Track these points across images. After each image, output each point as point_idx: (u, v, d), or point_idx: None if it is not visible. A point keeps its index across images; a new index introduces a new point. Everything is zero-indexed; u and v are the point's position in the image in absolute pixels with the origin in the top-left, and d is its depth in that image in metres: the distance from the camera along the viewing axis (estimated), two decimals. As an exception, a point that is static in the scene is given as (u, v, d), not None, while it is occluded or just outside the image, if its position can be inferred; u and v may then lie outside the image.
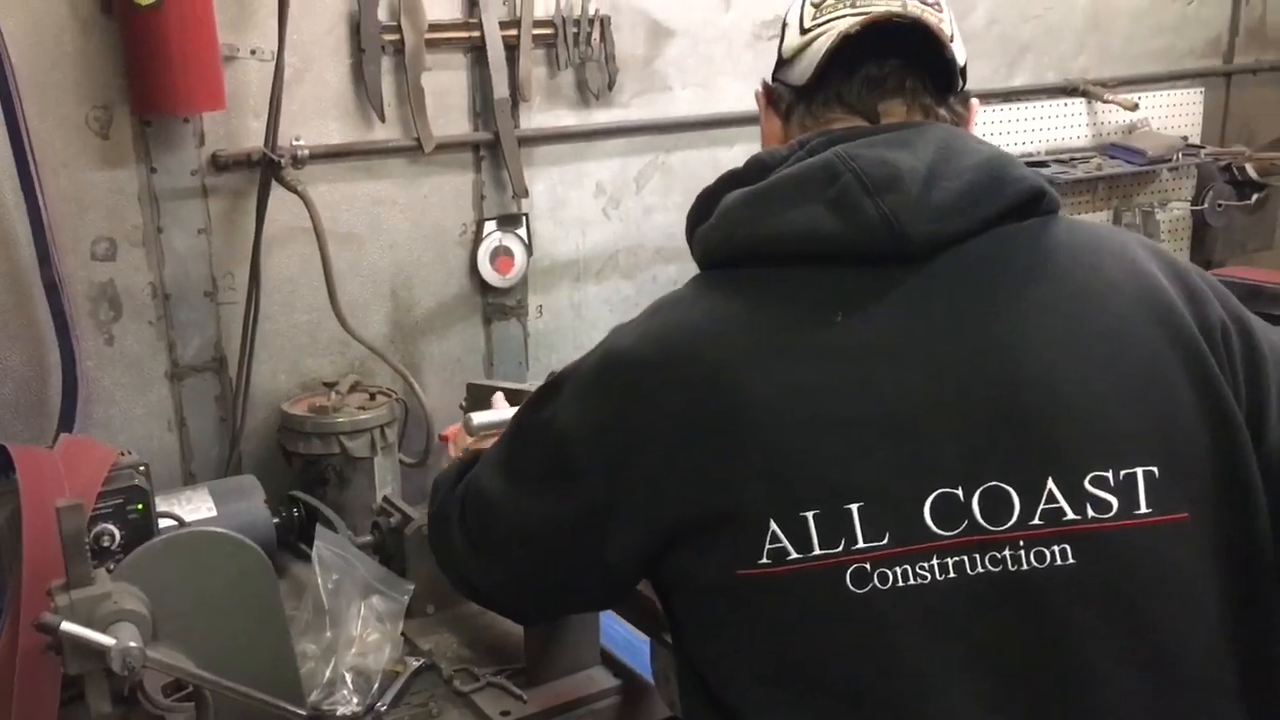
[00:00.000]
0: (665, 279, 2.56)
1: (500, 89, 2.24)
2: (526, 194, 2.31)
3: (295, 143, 2.03)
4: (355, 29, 2.10)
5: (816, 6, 1.19)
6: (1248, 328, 1.10)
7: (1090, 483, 1.00)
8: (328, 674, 1.59)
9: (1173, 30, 3.28)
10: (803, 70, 1.18)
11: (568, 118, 2.38)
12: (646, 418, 1.07)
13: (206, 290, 2.07)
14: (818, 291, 1.06)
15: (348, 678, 1.60)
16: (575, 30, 2.31)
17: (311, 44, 2.08)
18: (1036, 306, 1.05)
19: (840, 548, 0.98)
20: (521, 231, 2.34)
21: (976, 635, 0.99)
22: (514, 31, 2.24)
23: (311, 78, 2.10)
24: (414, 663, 1.69)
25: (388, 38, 2.12)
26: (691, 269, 2.58)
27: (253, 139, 2.04)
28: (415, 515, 1.87)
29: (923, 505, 0.99)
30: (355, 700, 1.58)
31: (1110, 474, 1.00)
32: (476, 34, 2.21)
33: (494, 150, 2.28)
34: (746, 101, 2.56)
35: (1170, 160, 2.98)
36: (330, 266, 2.07)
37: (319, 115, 2.12)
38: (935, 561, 0.98)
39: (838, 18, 1.16)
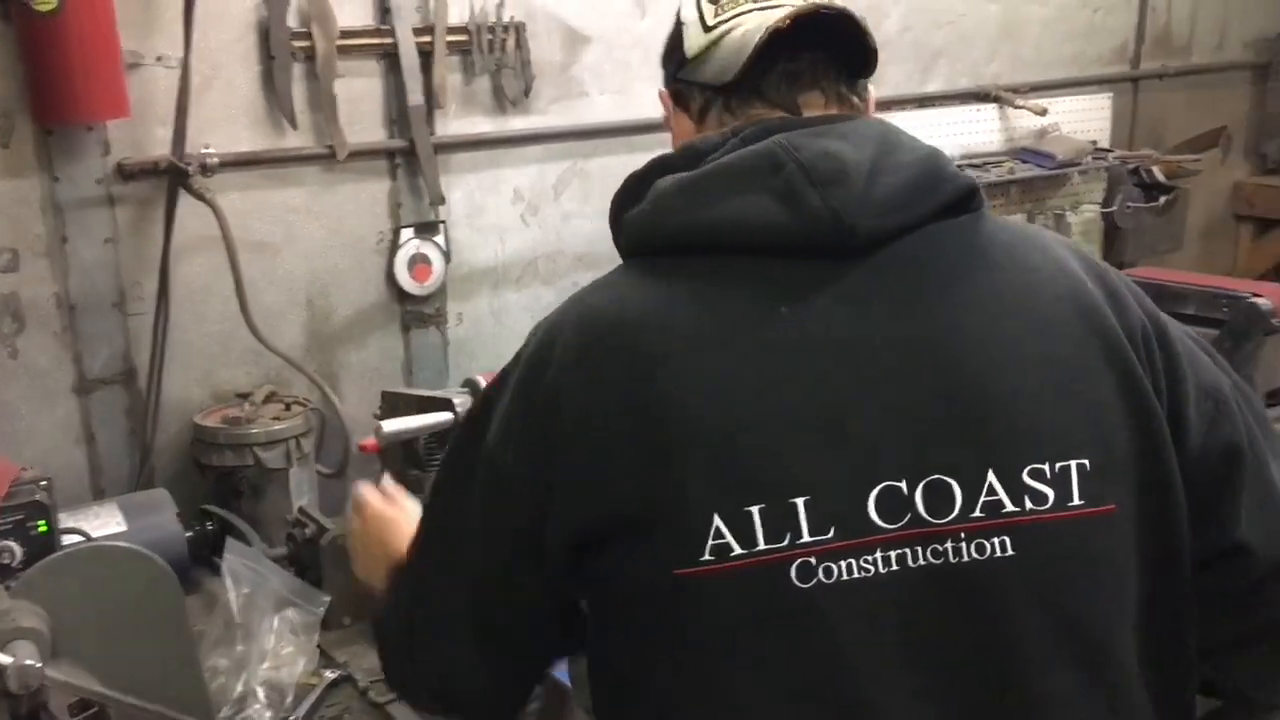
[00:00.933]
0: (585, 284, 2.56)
1: (415, 96, 2.23)
2: (443, 201, 2.30)
3: (204, 150, 2.00)
4: (264, 35, 2.08)
5: (715, 3, 1.18)
6: (1164, 329, 1.12)
7: (1028, 475, 1.01)
8: (239, 688, 1.57)
9: (1081, 37, 3.37)
10: (721, 68, 1.15)
11: (484, 124, 2.37)
12: (583, 413, 1.02)
13: (114, 301, 2.03)
14: (759, 283, 1.04)
15: (260, 691, 1.58)
16: (490, 37, 2.30)
17: (219, 51, 2.06)
18: (972, 302, 1.05)
19: (785, 542, 0.97)
20: (439, 239, 2.33)
21: (916, 628, 0.99)
22: (428, 38, 2.23)
23: (220, 85, 2.07)
24: (329, 675, 1.67)
25: (298, 44, 2.10)
26: (610, 275, 2.59)
27: (160, 147, 2.01)
28: (331, 525, 1.85)
29: (867, 499, 0.99)
30: (268, 714, 1.56)
31: (1047, 466, 1.01)
32: (389, 40, 2.20)
33: (410, 157, 2.27)
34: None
35: (1080, 164, 3.05)
36: (240, 275, 2.04)
37: (228, 122, 2.09)
38: (879, 554, 0.98)
39: (744, 13, 1.16)
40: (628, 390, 1.01)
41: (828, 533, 0.98)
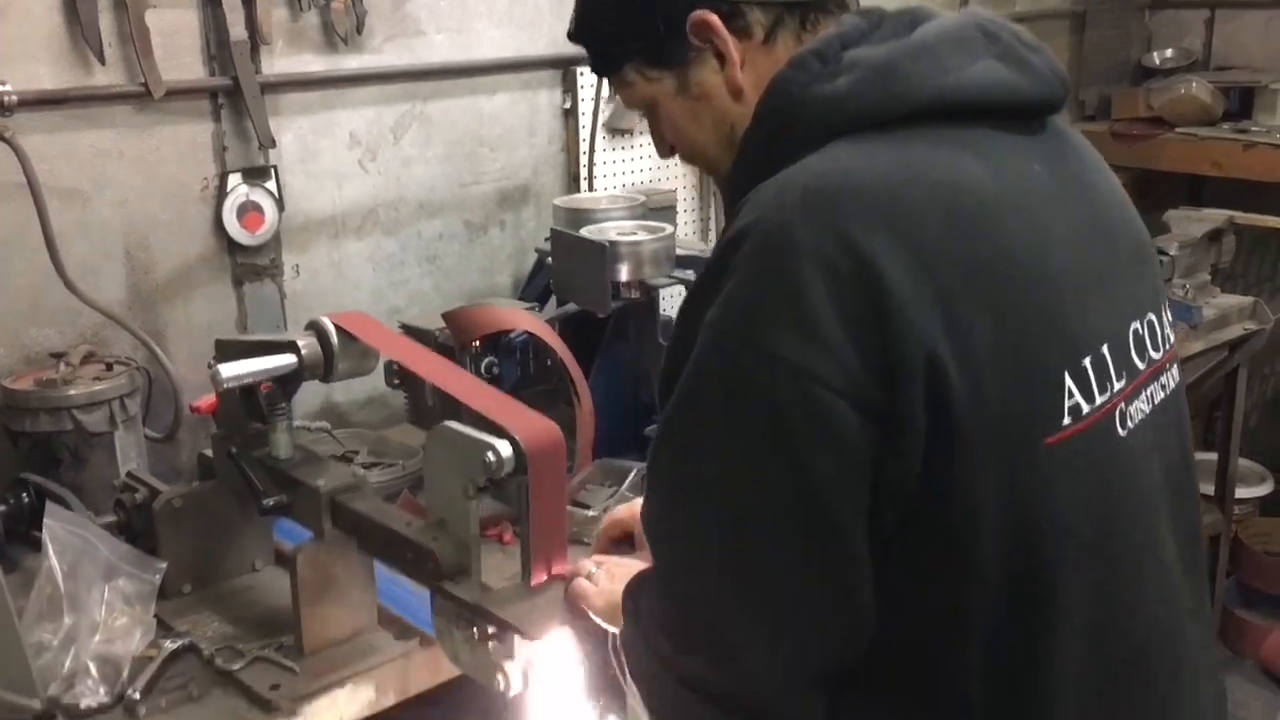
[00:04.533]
0: (431, 234, 2.46)
1: (237, 30, 2.07)
2: (273, 144, 2.16)
3: (0, 88, 1.81)
4: (64, -40, 1.90)
5: None
6: None
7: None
8: (68, 664, 1.43)
9: None
10: None
11: (315, 63, 2.23)
12: (915, 282, 0.88)
13: (-98, 256, 1.83)
14: (1006, 144, 1.01)
15: (92, 666, 1.44)
16: (317, -32, 2.17)
17: (12, -24, 1.87)
18: (1100, 167, 1.11)
19: (1109, 394, 0.97)
20: (270, 185, 2.18)
21: (1164, 459, 1.03)
22: (248, -33, 2.08)
23: (14, 15, 1.88)
24: (169, 645, 1.54)
25: (103, -30, 1.93)
26: (455, 224, 2.49)
27: (-52, 84, 1.81)
28: (164, 489, 1.72)
29: (1128, 341, 1.01)
30: (102, 690, 1.43)
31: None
32: (206, -31, 2.04)
33: (234, 97, 2.12)
34: (505, 48, 2.51)
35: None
36: (49, 225, 1.87)
37: (26, 57, 1.90)
38: (1145, 392, 1.02)
39: None
40: (959, 248, 0.92)
41: (1122, 379, 0.99)
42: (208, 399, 1.93)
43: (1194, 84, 3.76)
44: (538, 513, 1.34)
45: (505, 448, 1.31)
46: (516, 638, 1.32)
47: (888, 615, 0.93)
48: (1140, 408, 1.01)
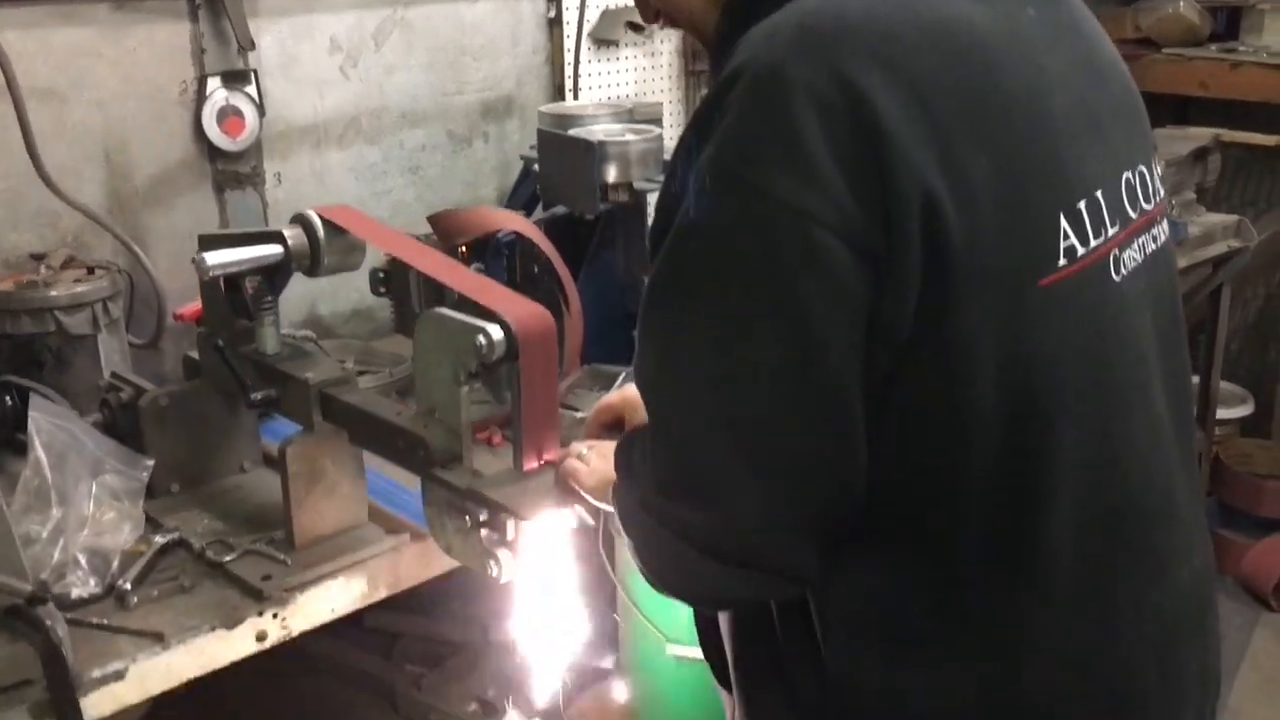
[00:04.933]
0: (414, 144, 2.43)
1: (212, -74, 2.03)
2: (252, 45, 2.11)
3: (-29, -19, 1.77)
4: None
5: None
6: None
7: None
8: (57, 555, 1.42)
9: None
10: None
11: (291, -38, 2.19)
12: (910, 119, 0.86)
13: (-125, 156, 1.80)
14: None
15: (81, 558, 1.44)
16: None
17: None
18: (1086, 15, 1.08)
19: (1103, 238, 0.96)
20: (251, 90, 2.14)
21: (1157, 311, 1.03)
22: None
23: (-15, -95, 1.83)
24: (159, 540, 1.54)
25: None
26: (438, 135, 2.46)
27: (-83, -24, 1.77)
28: (150, 388, 1.70)
29: (1121, 189, 1.00)
30: (92, 581, 1.43)
31: None
32: None
33: (211, -3, 2.07)
34: (486, -54, 2.46)
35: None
36: (28, 124, 1.83)
37: (-2, -51, 1.85)
38: (1138, 241, 1.01)
39: None
40: (955, 82, 0.90)
41: (1115, 225, 0.98)
42: (192, 306, 1.91)
43: (1181, 4, 3.73)
44: (529, 398, 1.33)
45: (496, 331, 1.30)
46: (509, 523, 1.32)
47: (884, 464, 0.92)
48: (1133, 255, 1.00)
